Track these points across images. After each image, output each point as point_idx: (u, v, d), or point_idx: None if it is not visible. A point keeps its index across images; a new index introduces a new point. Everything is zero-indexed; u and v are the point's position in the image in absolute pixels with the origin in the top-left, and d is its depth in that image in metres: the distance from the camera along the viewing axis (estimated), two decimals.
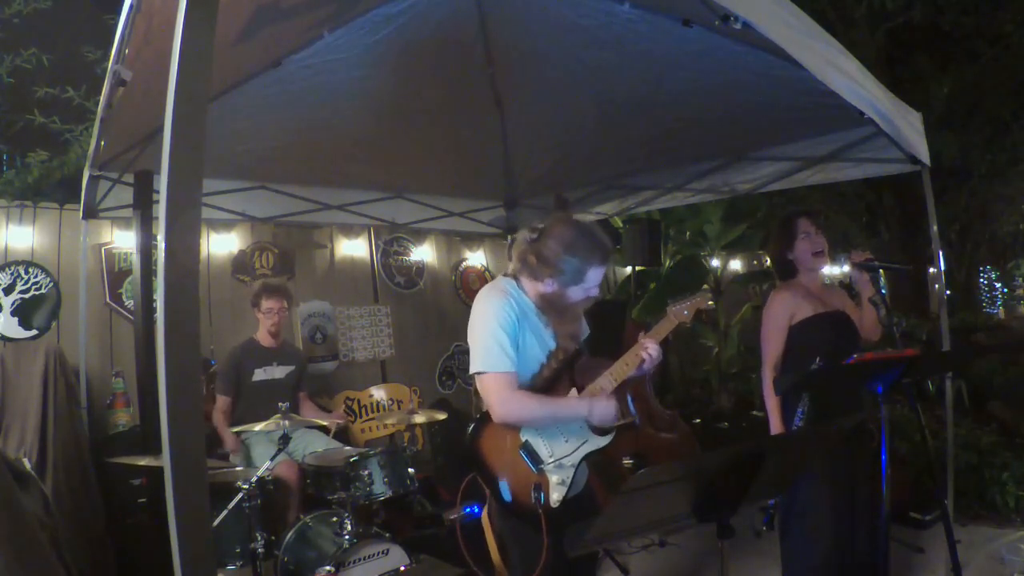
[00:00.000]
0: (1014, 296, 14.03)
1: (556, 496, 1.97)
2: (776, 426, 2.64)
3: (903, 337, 2.41)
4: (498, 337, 1.95)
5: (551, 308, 2.05)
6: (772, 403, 2.66)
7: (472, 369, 2.00)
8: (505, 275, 2.15)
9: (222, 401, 3.75)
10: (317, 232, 5.32)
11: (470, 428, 2.06)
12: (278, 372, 3.88)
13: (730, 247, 7.18)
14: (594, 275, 2.01)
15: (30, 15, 5.14)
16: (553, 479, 1.98)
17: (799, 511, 2.59)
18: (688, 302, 2.19)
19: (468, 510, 3.78)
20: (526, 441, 2.01)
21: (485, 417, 2.03)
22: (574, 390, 2.06)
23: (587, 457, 2.04)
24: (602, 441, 2.05)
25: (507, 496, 1.99)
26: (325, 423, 3.62)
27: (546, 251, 1.99)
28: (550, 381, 2.07)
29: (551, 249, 1.98)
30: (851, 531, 2.55)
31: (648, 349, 2.06)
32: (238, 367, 3.80)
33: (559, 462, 1.99)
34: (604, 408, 1.98)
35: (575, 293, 2.02)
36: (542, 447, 2.01)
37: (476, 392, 2.08)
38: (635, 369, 2.08)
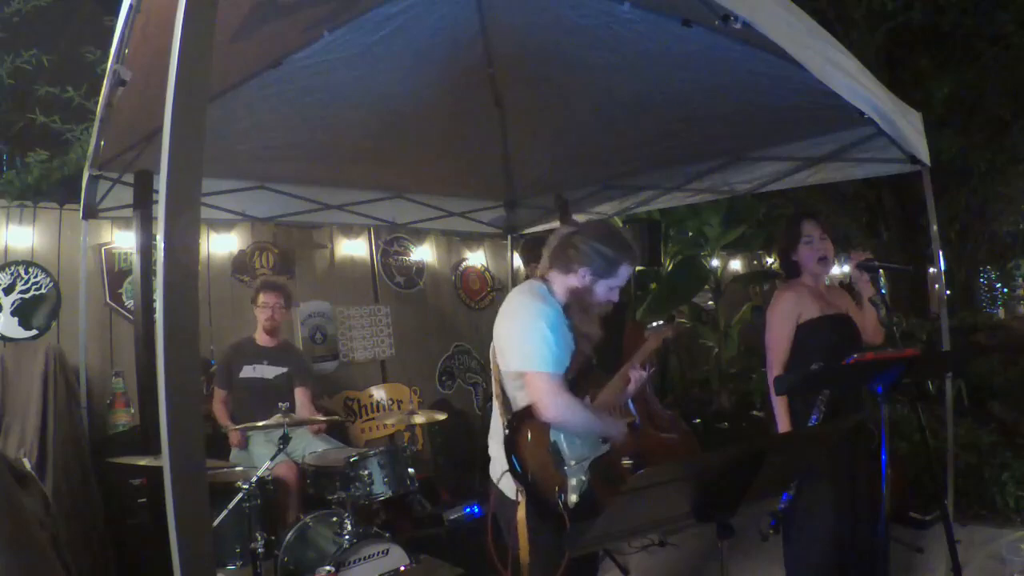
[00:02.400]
0: (1014, 296, 14.02)
1: (574, 497, 2.03)
2: (784, 427, 2.62)
3: (903, 337, 2.41)
4: (546, 336, 1.98)
5: (577, 304, 2.12)
6: (780, 404, 2.64)
7: (516, 367, 2.02)
8: (532, 279, 2.21)
9: (219, 393, 3.82)
10: (317, 232, 5.32)
11: (507, 424, 2.06)
12: (268, 372, 3.87)
13: (730, 247, 7.19)
14: (624, 272, 2.11)
15: (30, 14, 5.13)
16: (572, 481, 2.04)
17: (799, 511, 2.59)
18: (663, 328, 2.54)
19: (468, 510, 3.78)
20: (554, 442, 2.06)
21: (524, 416, 2.04)
22: (587, 397, 2.17)
23: (595, 462, 2.13)
24: (605, 448, 2.18)
25: (541, 495, 2.03)
26: (322, 420, 3.63)
27: (583, 243, 2.08)
28: (572, 385, 2.09)
29: (588, 240, 2.08)
30: (851, 531, 2.55)
31: (635, 372, 2.30)
32: (229, 362, 3.84)
33: (578, 465, 2.07)
34: (623, 431, 2.18)
35: (602, 289, 2.10)
36: (565, 449, 2.07)
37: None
38: (620, 392, 2.30)
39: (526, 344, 2.00)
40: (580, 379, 2.14)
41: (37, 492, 2.59)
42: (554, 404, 1.97)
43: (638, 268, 5.97)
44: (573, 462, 2.05)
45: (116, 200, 3.82)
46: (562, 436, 2.07)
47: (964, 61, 6.79)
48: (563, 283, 2.12)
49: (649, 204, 4.98)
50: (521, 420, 2.05)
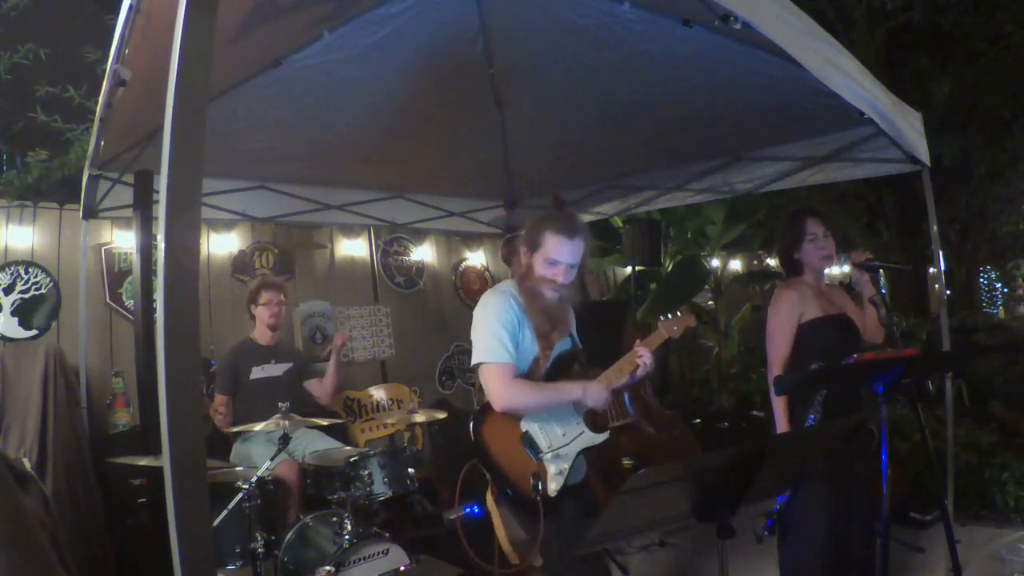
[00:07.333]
0: (1014, 296, 14.03)
1: (554, 486, 2.07)
2: (783, 428, 2.61)
3: (903, 337, 2.41)
4: (497, 332, 2.09)
5: (528, 298, 2.17)
6: (780, 405, 2.62)
7: (473, 361, 2.13)
8: (508, 279, 2.32)
9: (220, 400, 3.76)
10: (317, 232, 5.32)
11: (472, 417, 2.15)
12: (276, 370, 3.87)
13: (730, 247, 7.18)
14: (553, 242, 2.12)
15: (29, 10, 5.11)
16: (551, 469, 2.09)
17: (796, 511, 2.58)
18: (679, 319, 2.45)
19: (468, 510, 3.77)
20: (526, 432, 2.13)
21: (487, 408, 2.14)
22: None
23: (585, 452, 2.17)
24: (598, 438, 2.19)
25: (508, 482, 2.08)
26: (324, 422, 3.62)
27: (521, 233, 2.25)
28: (551, 379, 2.20)
29: (524, 229, 2.24)
30: (849, 532, 2.54)
31: (643, 357, 2.23)
32: (235, 366, 3.79)
33: (556, 453, 2.11)
34: (597, 391, 2.13)
35: (540, 265, 2.14)
36: (541, 438, 2.13)
37: (479, 388, 2.20)
38: (628, 376, 2.24)
39: (479, 341, 2.12)
40: (561, 373, 2.20)
41: (37, 492, 2.59)
42: (500, 394, 2.08)
43: (638, 268, 5.98)
44: (549, 451, 2.10)
45: (116, 200, 3.81)
46: (536, 426, 2.13)
47: (964, 61, 6.80)
48: (521, 281, 2.22)
49: (649, 204, 4.98)
50: (485, 412, 2.14)
